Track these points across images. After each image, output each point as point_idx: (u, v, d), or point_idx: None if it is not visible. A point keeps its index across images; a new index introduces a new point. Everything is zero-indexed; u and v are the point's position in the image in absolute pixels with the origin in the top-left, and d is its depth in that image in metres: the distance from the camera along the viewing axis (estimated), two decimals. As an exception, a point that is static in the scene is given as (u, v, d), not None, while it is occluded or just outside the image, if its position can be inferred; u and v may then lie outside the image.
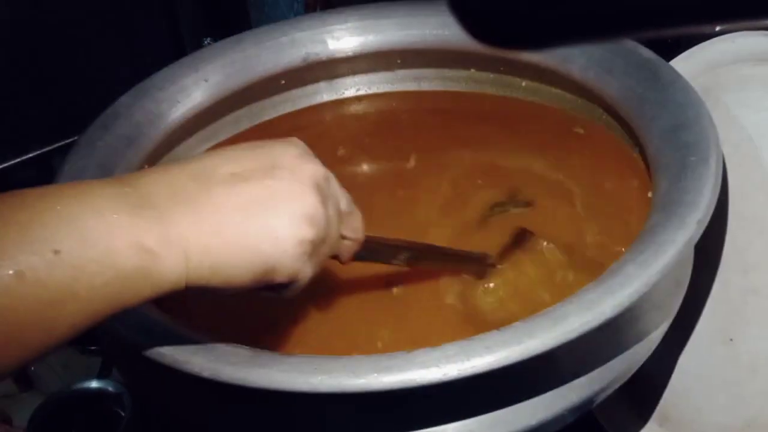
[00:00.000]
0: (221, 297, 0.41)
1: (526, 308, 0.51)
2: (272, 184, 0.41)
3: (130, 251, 0.37)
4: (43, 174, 0.79)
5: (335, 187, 0.45)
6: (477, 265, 0.56)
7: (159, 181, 0.40)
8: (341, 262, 0.48)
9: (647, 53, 0.60)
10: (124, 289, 0.37)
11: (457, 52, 0.68)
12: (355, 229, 0.47)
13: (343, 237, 0.46)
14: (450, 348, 0.43)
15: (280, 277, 0.41)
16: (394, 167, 0.64)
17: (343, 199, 0.46)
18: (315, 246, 0.42)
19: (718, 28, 0.60)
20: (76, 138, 0.61)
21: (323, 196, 0.43)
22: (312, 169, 0.43)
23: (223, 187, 0.40)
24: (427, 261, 0.55)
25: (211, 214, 0.39)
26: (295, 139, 0.44)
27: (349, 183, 0.58)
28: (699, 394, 0.61)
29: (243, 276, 0.40)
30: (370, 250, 0.49)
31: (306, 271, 0.42)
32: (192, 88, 0.65)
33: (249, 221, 0.40)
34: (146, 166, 0.62)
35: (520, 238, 0.57)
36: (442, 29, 0.67)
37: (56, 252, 0.35)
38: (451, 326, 0.53)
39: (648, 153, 0.55)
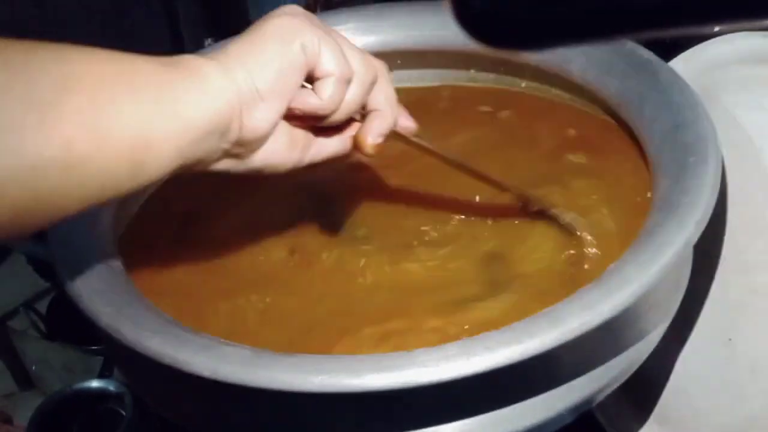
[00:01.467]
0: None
1: None
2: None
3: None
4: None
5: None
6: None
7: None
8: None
9: (646, 54, 0.60)
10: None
11: (457, 53, 0.68)
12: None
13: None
14: (450, 348, 0.43)
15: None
16: (394, 168, 0.63)
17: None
18: (312, 22, 0.46)
19: (717, 29, 0.60)
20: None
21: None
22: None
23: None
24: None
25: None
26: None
27: (347, 184, 0.58)
28: (698, 394, 0.61)
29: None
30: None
31: (323, 35, 0.46)
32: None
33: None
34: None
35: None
36: (442, 30, 0.67)
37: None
38: None
39: (648, 153, 0.55)
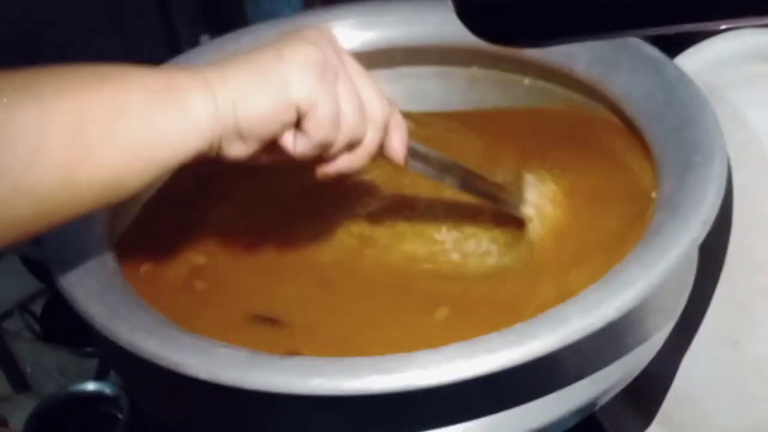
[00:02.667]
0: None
1: None
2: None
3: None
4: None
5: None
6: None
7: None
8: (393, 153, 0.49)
9: (651, 50, 0.59)
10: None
11: (459, 49, 0.67)
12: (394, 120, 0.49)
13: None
14: (451, 350, 0.42)
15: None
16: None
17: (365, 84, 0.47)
18: (324, 69, 0.44)
19: (723, 27, 0.59)
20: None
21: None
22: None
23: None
24: (470, 186, 0.55)
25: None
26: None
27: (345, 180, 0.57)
28: (703, 397, 0.61)
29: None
30: (419, 153, 0.52)
31: (323, 96, 0.44)
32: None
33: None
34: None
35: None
36: (444, 26, 0.66)
37: None
38: None
39: (652, 152, 0.55)
